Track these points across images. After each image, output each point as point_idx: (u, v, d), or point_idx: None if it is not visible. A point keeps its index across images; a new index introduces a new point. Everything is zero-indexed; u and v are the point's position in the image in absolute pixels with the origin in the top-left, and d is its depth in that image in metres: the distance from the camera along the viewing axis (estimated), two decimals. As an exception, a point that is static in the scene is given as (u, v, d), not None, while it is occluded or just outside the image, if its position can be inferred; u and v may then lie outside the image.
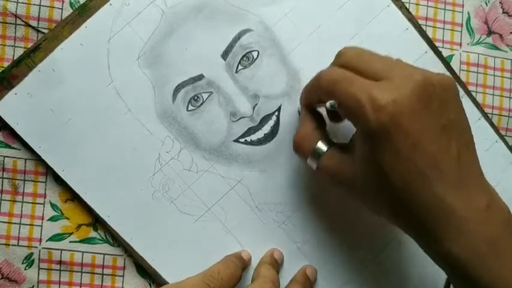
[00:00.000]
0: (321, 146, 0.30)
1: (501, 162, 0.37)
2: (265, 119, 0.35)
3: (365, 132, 0.25)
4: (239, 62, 0.34)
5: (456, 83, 0.27)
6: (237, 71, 0.34)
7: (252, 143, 0.35)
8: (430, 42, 0.36)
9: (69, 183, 0.33)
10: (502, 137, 0.37)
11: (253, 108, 0.34)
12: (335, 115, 0.31)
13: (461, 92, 0.37)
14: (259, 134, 0.35)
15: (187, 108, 0.34)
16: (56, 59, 0.33)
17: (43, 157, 0.33)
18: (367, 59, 0.27)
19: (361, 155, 0.27)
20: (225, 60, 0.34)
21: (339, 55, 0.29)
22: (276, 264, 0.34)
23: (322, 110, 0.32)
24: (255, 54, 0.34)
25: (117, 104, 0.34)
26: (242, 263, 0.33)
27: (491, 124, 0.37)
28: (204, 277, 0.30)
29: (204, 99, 0.34)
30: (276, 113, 0.35)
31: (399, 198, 0.26)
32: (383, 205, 0.27)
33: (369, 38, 0.35)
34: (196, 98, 0.34)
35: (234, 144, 0.35)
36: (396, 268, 0.36)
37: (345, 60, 0.28)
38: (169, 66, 0.34)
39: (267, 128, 0.35)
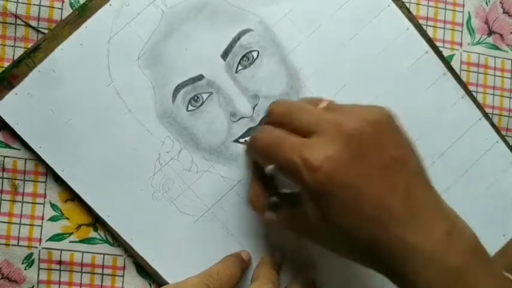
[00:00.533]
0: (270, 210, 0.30)
1: (502, 163, 0.37)
2: (264, 119, 0.34)
3: (307, 193, 0.25)
4: (239, 62, 0.34)
5: (390, 113, 0.26)
6: (237, 71, 0.34)
7: None
8: (430, 42, 0.36)
9: (69, 183, 0.34)
10: (502, 137, 0.37)
11: (253, 108, 0.34)
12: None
13: (462, 92, 0.37)
14: None
15: (187, 108, 0.34)
16: (56, 59, 0.33)
17: (43, 157, 0.33)
18: (295, 114, 0.27)
19: (311, 213, 0.26)
20: (225, 60, 0.34)
21: (270, 112, 0.29)
22: (276, 265, 0.34)
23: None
24: (255, 54, 0.34)
25: (117, 104, 0.34)
26: (242, 263, 0.33)
27: (492, 124, 0.37)
28: (203, 277, 0.30)
29: (204, 99, 0.34)
30: None
31: (359, 245, 0.25)
32: (345, 252, 0.27)
33: (369, 37, 0.35)
34: (196, 98, 0.34)
35: (234, 144, 0.35)
36: None
37: (275, 118, 0.28)
38: (169, 67, 0.34)
39: None
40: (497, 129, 0.37)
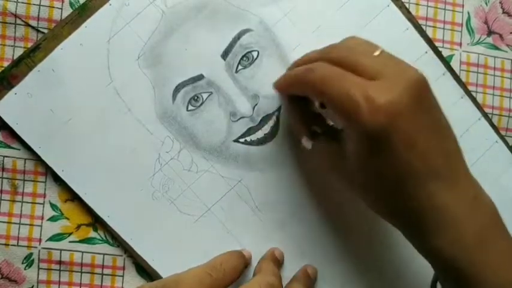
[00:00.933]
0: (308, 138, 0.30)
1: (501, 163, 0.37)
2: (265, 119, 0.35)
3: (361, 133, 0.25)
4: (239, 62, 0.34)
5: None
6: (237, 71, 0.34)
7: (251, 143, 0.35)
8: (430, 42, 0.36)
9: (68, 183, 0.34)
10: (502, 137, 0.37)
11: (253, 108, 0.35)
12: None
13: (461, 92, 0.37)
14: (259, 134, 0.35)
15: (187, 108, 0.34)
16: (56, 59, 0.33)
17: (43, 157, 0.33)
18: (356, 56, 0.26)
19: (356, 153, 0.26)
20: (225, 60, 0.34)
21: (327, 52, 0.28)
22: (276, 261, 0.34)
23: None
24: (255, 54, 0.34)
25: (117, 104, 0.34)
26: (244, 258, 0.33)
27: (492, 124, 0.37)
28: (206, 267, 0.30)
29: (204, 99, 0.34)
30: (276, 113, 0.35)
31: (393, 196, 0.26)
32: (375, 201, 0.28)
33: (369, 38, 0.35)
34: (196, 98, 0.34)
35: (234, 144, 0.35)
36: (390, 266, 0.36)
37: (335, 57, 0.27)
38: (169, 66, 0.34)
39: (266, 128, 0.35)
40: (496, 129, 0.38)
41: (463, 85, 0.37)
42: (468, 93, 0.37)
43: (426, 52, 0.36)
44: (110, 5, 0.34)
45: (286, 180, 0.35)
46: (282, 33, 0.35)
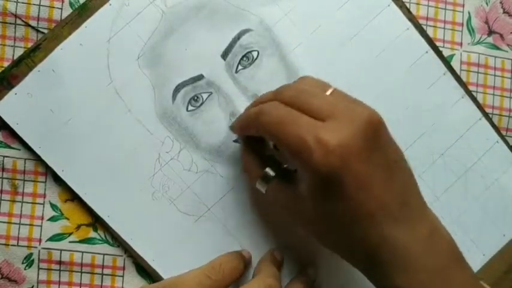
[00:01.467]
0: (262, 181, 0.30)
1: (502, 163, 0.38)
2: None
3: (313, 175, 0.25)
4: (239, 62, 0.35)
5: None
6: (237, 71, 0.35)
7: None
8: (430, 42, 0.37)
9: (68, 183, 0.34)
10: (502, 137, 0.38)
11: None
12: None
13: (462, 92, 0.37)
14: None
15: (187, 108, 0.35)
16: (56, 59, 0.34)
17: (43, 157, 0.34)
18: (306, 97, 0.26)
19: (309, 195, 0.26)
20: (225, 60, 0.35)
21: (279, 92, 0.28)
22: (276, 262, 0.34)
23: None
24: (255, 54, 0.35)
25: (117, 104, 0.34)
26: (244, 259, 0.33)
27: (492, 124, 0.38)
28: (205, 269, 0.30)
29: (204, 99, 0.34)
30: None
31: (348, 237, 0.26)
32: (332, 241, 0.28)
33: (369, 37, 0.36)
34: (196, 98, 0.34)
35: (234, 144, 0.35)
36: None
37: (286, 99, 0.27)
38: (169, 66, 0.34)
39: None
40: (497, 129, 0.38)
41: (463, 85, 0.37)
42: (469, 93, 0.37)
43: (427, 52, 0.36)
44: (110, 5, 0.34)
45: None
46: (282, 33, 0.35)
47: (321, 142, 0.24)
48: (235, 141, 0.35)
